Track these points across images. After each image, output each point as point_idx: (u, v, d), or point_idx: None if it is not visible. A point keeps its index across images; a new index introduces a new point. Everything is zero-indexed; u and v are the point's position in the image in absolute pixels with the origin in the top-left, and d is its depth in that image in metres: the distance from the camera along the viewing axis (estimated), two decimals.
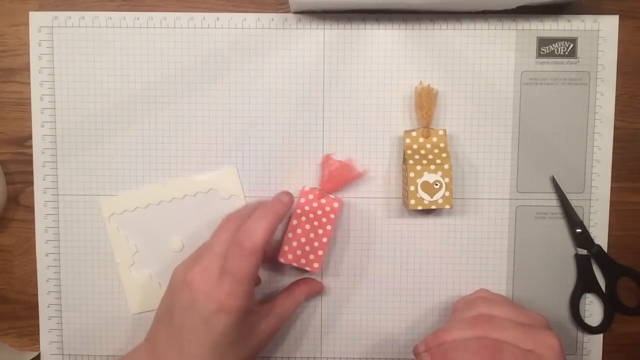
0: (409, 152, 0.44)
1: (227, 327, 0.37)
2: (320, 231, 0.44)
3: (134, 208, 0.46)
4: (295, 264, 0.43)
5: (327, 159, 0.45)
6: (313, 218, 0.44)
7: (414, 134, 0.45)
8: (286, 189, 0.46)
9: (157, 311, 0.41)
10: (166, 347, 0.39)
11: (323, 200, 0.44)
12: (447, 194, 0.43)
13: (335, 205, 0.44)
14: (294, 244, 0.43)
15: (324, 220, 0.44)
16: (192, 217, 0.46)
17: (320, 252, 0.43)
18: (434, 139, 0.44)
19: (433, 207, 0.43)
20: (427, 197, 0.43)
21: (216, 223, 0.42)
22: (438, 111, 0.46)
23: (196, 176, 0.46)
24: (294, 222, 0.44)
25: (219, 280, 0.38)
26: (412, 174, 0.43)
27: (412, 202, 0.43)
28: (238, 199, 0.46)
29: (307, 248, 0.43)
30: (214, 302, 0.37)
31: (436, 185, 0.43)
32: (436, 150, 0.44)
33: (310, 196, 0.44)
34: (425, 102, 0.44)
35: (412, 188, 0.43)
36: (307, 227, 0.44)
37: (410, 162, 0.43)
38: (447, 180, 0.43)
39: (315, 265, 0.43)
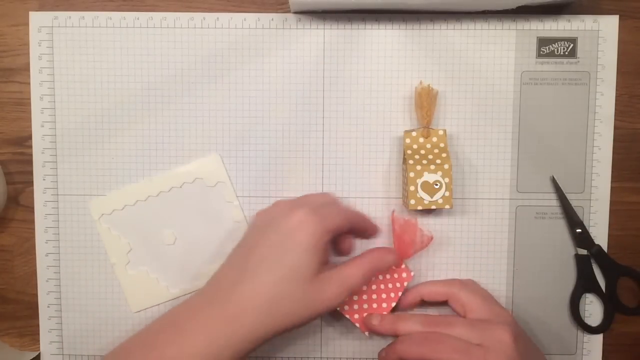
0: (409, 152, 0.44)
1: (303, 241, 0.38)
2: (384, 295, 0.44)
3: (122, 206, 0.46)
4: (348, 317, 0.43)
5: (393, 220, 0.45)
6: (382, 280, 0.44)
7: (414, 134, 0.45)
8: (286, 189, 0.46)
9: (250, 225, 0.42)
10: (240, 248, 0.41)
11: (393, 267, 0.44)
12: (447, 194, 0.43)
13: (404, 275, 0.44)
14: (355, 297, 0.44)
15: (390, 286, 0.44)
16: (181, 208, 0.46)
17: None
18: (434, 139, 0.44)
19: (433, 207, 0.43)
20: (427, 197, 0.43)
21: (205, 211, 0.45)
22: (438, 111, 0.46)
23: (179, 167, 0.46)
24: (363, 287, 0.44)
25: (313, 209, 0.39)
26: (412, 174, 0.43)
27: (412, 202, 0.43)
28: (225, 185, 0.46)
29: (365, 306, 0.44)
30: (301, 216, 0.39)
31: (436, 185, 0.43)
32: (436, 150, 0.44)
33: None
34: (425, 102, 0.44)
35: (412, 188, 0.43)
36: (374, 287, 0.44)
37: (410, 162, 0.43)
38: (447, 180, 0.43)
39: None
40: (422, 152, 0.44)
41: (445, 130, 0.45)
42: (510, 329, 0.40)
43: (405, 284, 0.44)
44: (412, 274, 0.44)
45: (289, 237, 0.38)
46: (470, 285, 0.45)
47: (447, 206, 0.43)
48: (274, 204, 0.42)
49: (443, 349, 0.39)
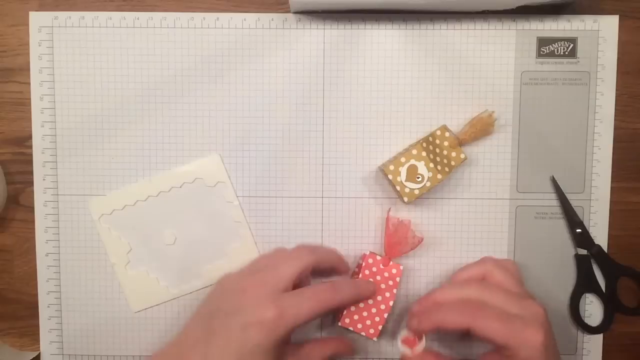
0: (430, 138, 0.44)
1: (260, 344, 0.36)
2: (380, 298, 0.44)
3: (122, 207, 0.46)
4: (351, 328, 0.43)
5: (388, 219, 0.45)
6: (379, 281, 0.44)
7: (447, 134, 0.44)
8: (286, 189, 0.46)
9: (195, 313, 0.41)
10: (193, 348, 0.38)
11: (382, 266, 0.44)
12: (416, 192, 0.44)
13: (394, 271, 0.44)
14: (352, 308, 0.43)
15: (382, 286, 0.44)
16: (181, 208, 0.46)
17: (377, 319, 0.43)
18: (454, 154, 0.44)
19: (399, 184, 0.44)
20: (403, 178, 0.44)
21: (205, 211, 0.44)
22: (438, 111, 0.46)
23: (179, 167, 0.46)
24: None
25: (272, 299, 0.37)
26: (414, 152, 0.44)
27: (392, 167, 0.44)
28: (224, 186, 0.46)
29: (365, 314, 0.43)
30: (259, 314, 0.37)
31: (418, 177, 0.43)
32: (445, 161, 0.44)
33: (370, 260, 0.44)
34: (480, 129, 0.44)
35: (402, 159, 0.44)
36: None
37: (424, 144, 0.44)
38: (428, 184, 0.44)
39: (372, 331, 0.43)
40: (437, 150, 0.44)
41: (466, 158, 0.44)
42: (542, 304, 0.40)
43: (398, 279, 0.44)
44: (402, 267, 0.44)
45: (245, 340, 0.36)
46: (492, 264, 0.44)
47: (405, 198, 0.44)
48: (239, 279, 0.40)
49: (483, 315, 0.38)
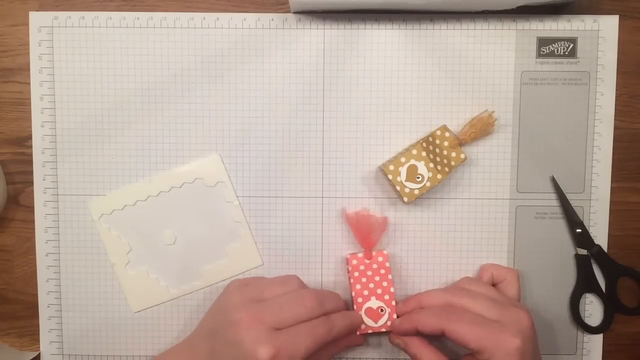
0: (430, 139, 0.44)
1: None
2: (380, 291, 0.44)
3: (122, 207, 0.46)
4: (370, 331, 0.44)
5: (346, 217, 0.45)
6: (369, 279, 0.45)
7: (447, 134, 0.44)
8: (286, 189, 0.46)
9: (201, 321, 0.43)
10: None
11: (367, 261, 0.45)
12: (417, 192, 0.44)
13: (380, 259, 0.45)
14: (362, 313, 0.44)
15: (377, 279, 0.45)
16: (181, 208, 0.46)
17: (388, 310, 0.44)
18: (454, 154, 0.44)
19: (399, 185, 0.44)
20: (403, 177, 0.44)
21: (205, 211, 0.44)
22: (438, 111, 0.46)
23: (179, 167, 0.46)
24: (357, 286, 0.45)
25: (268, 337, 0.38)
26: (414, 151, 0.44)
27: (391, 167, 0.44)
28: (225, 185, 0.46)
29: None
30: (254, 352, 0.37)
31: (418, 177, 0.44)
32: (445, 161, 0.44)
33: (354, 261, 0.45)
34: (480, 129, 0.44)
35: (402, 159, 0.44)
36: (366, 292, 0.44)
37: (423, 144, 0.44)
38: (428, 184, 0.44)
39: (388, 323, 0.44)
40: (437, 150, 0.44)
41: (466, 158, 0.44)
42: (528, 313, 0.40)
43: (387, 264, 0.45)
44: (385, 252, 0.45)
45: None
46: (472, 279, 0.45)
47: (405, 198, 0.44)
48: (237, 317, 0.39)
49: (457, 319, 0.40)
